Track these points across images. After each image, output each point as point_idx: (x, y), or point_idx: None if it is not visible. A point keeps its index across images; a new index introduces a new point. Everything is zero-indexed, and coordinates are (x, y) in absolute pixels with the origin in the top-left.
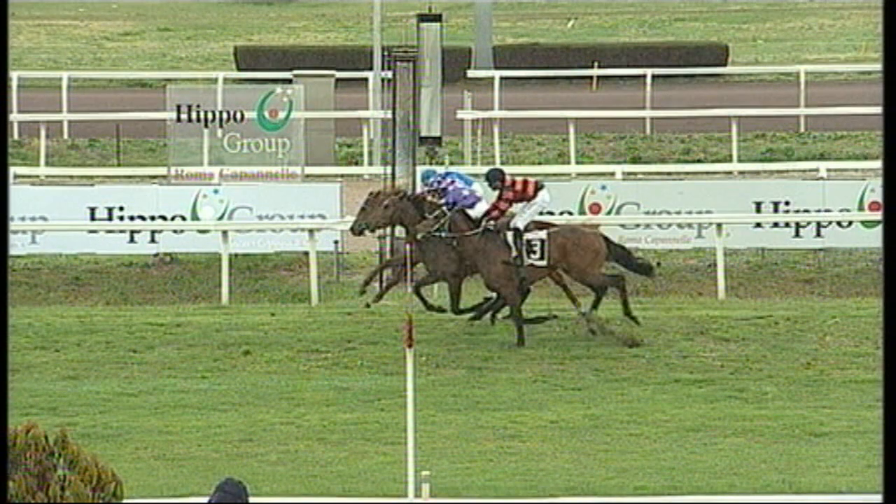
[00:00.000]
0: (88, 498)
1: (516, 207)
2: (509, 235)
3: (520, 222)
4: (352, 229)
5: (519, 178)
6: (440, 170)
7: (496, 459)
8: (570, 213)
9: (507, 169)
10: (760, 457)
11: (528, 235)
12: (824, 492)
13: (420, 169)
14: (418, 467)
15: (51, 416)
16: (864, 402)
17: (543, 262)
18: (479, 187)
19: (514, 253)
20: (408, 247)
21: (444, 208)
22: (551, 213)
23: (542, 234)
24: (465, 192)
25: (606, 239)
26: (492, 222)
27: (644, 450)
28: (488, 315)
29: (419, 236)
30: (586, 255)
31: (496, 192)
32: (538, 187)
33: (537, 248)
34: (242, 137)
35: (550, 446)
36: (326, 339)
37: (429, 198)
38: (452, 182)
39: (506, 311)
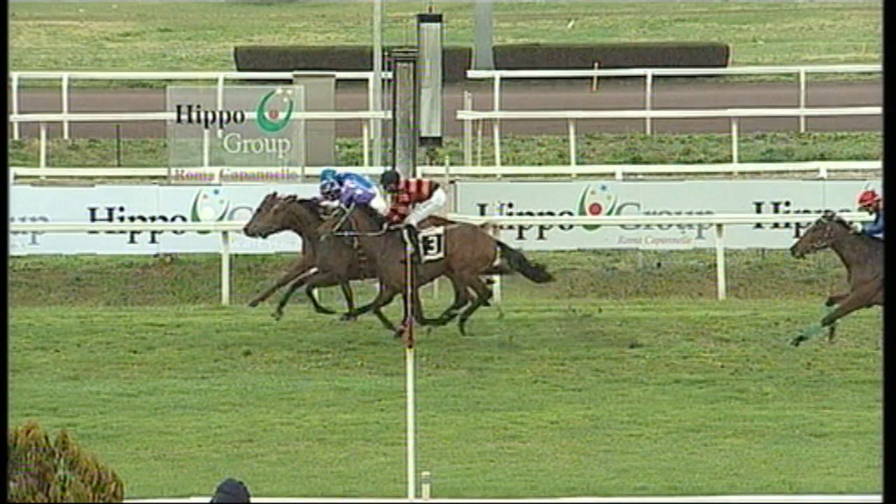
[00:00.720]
0: (89, 498)
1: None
2: (404, 233)
3: (413, 219)
4: (245, 230)
5: (413, 180)
6: (341, 170)
7: (496, 460)
8: (571, 214)
9: (507, 170)
10: (761, 457)
11: (424, 232)
12: (824, 492)
13: (420, 169)
14: (418, 468)
15: (51, 417)
16: (865, 403)
17: (440, 255)
18: (378, 189)
19: (411, 250)
20: (409, 248)
21: (343, 207)
22: (551, 214)
23: (439, 229)
24: (359, 191)
25: (502, 245)
26: (392, 225)
27: (644, 450)
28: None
29: (323, 238)
30: (474, 255)
31: (392, 195)
32: (433, 187)
33: (434, 244)
34: (243, 138)
35: (550, 447)
36: (327, 339)
37: (324, 202)
38: (345, 182)
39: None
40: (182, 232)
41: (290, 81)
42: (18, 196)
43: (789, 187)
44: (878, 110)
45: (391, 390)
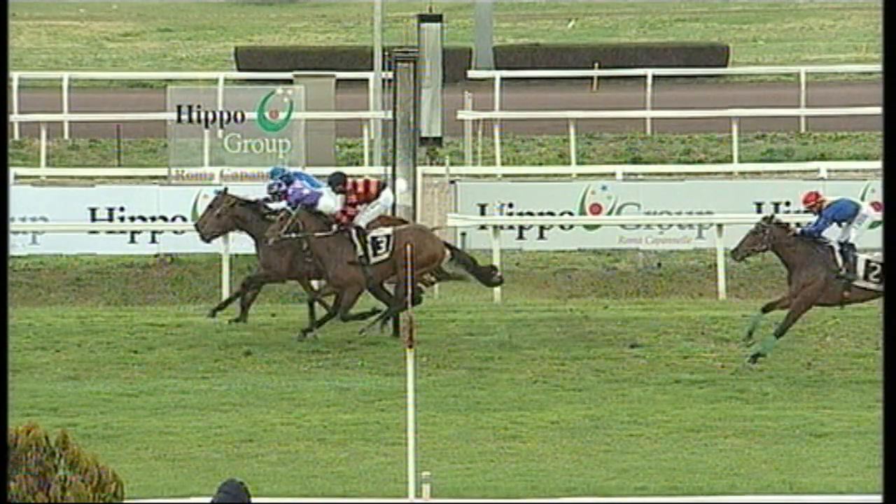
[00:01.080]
0: (89, 498)
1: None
2: (353, 234)
3: (362, 220)
4: (196, 226)
5: (360, 180)
6: (291, 169)
7: (497, 460)
8: (571, 214)
9: (508, 170)
10: (761, 457)
11: (373, 233)
12: (825, 492)
13: (421, 169)
14: (419, 468)
15: (51, 417)
16: (865, 403)
17: (387, 255)
18: (326, 190)
19: (360, 252)
20: (409, 248)
21: (288, 209)
22: (552, 214)
23: (388, 230)
24: (306, 191)
25: (451, 247)
26: (342, 227)
27: (644, 450)
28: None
29: (271, 241)
30: (422, 256)
31: (340, 197)
32: (381, 186)
33: (383, 245)
34: (243, 138)
35: (551, 447)
36: (327, 339)
37: (272, 203)
38: (292, 182)
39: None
40: (182, 232)
41: (290, 81)
42: (19, 196)
43: (790, 187)
44: (879, 110)
45: (391, 390)
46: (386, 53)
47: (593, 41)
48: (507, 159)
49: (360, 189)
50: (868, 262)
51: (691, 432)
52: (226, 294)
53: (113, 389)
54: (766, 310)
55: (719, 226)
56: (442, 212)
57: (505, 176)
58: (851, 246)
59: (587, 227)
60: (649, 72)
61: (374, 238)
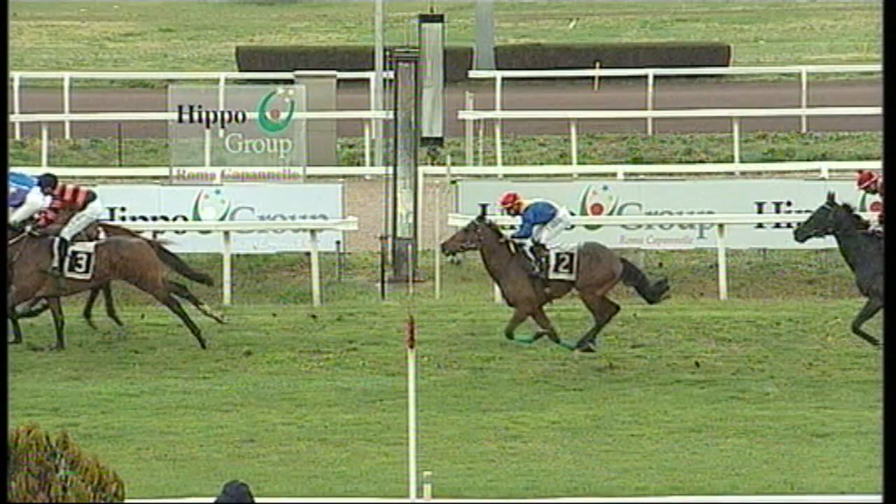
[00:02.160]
0: (90, 498)
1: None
2: (55, 244)
3: (66, 232)
4: None
5: (70, 187)
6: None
7: (498, 460)
8: (572, 214)
9: (509, 170)
10: (762, 457)
11: (75, 247)
12: (826, 492)
13: (422, 169)
14: (420, 468)
15: (52, 417)
16: (866, 403)
17: (88, 276)
18: (35, 190)
19: (56, 263)
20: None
21: None
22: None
23: (90, 246)
24: (12, 189)
25: (164, 250)
26: (37, 230)
27: (645, 450)
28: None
29: None
30: (138, 266)
31: (48, 199)
32: (89, 198)
33: (83, 262)
34: (244, 138)
35: (552, 447)
36: (328, 339)
37: None
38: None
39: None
40: (183, 232)
41: (291, 81)
42: None
43: (791, 187)
44: (879, 110)
45: (392, 390)
46: (387, 53)
47: (594, 41)
48: (508, 159)
49: (68, 196)
50: (558, 255)
51: (692, 432)
52: (227, 293)
53: (114, 389)
54: (536, 336)
55: (720, 226)
56: (443, 212)
57: (506, 176)
58: (542, 246)
59: (588, 227)
60: (650, 72)
61: (74, 252)
